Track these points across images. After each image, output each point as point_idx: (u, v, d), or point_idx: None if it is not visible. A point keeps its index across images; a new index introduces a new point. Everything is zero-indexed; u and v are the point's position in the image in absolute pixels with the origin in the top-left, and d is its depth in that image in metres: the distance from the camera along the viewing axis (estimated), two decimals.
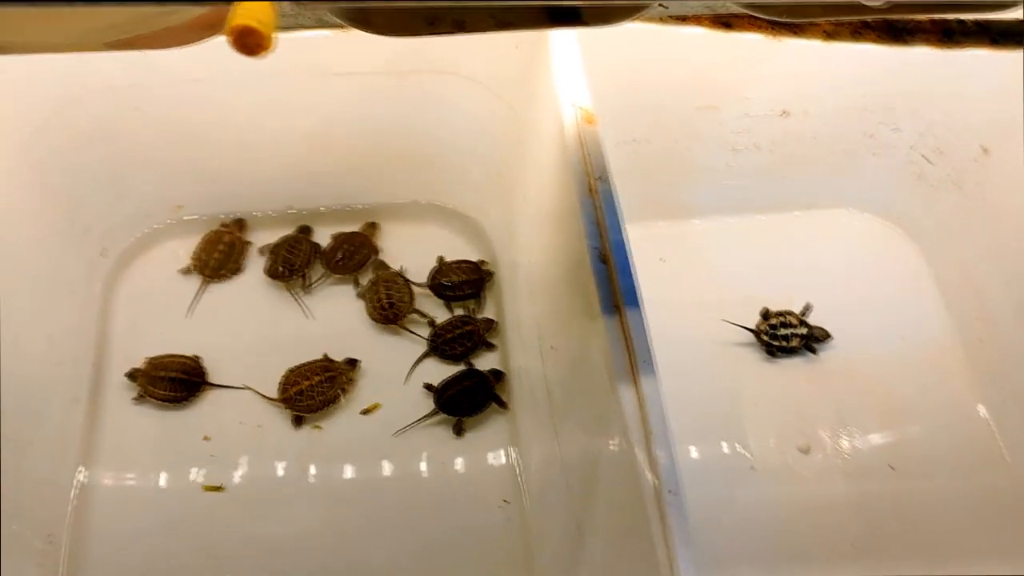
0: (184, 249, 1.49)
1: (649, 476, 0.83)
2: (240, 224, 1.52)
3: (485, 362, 1.43)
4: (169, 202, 1.48)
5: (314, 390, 1.35)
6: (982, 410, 1.43)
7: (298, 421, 1.36)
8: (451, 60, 1.32)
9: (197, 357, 1.38)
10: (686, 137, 1.44)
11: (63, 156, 1.30)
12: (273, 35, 0.60)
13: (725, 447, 1.37)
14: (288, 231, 1.52)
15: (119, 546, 1.26)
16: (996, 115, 1.34)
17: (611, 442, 0.92)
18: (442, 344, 1.42)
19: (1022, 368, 1.38)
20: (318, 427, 1.36)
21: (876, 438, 1.39)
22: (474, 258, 1.51)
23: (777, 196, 1.57)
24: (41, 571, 1.18)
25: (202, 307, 1.46)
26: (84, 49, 0.81)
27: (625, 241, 0.93)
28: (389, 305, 1.43)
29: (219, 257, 1.47)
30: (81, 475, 1.29)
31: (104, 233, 1.44)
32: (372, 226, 1.54)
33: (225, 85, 1.32)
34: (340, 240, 1.50)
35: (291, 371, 1.38)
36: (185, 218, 1.50)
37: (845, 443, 1.38)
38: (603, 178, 0.98)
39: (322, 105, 1.37)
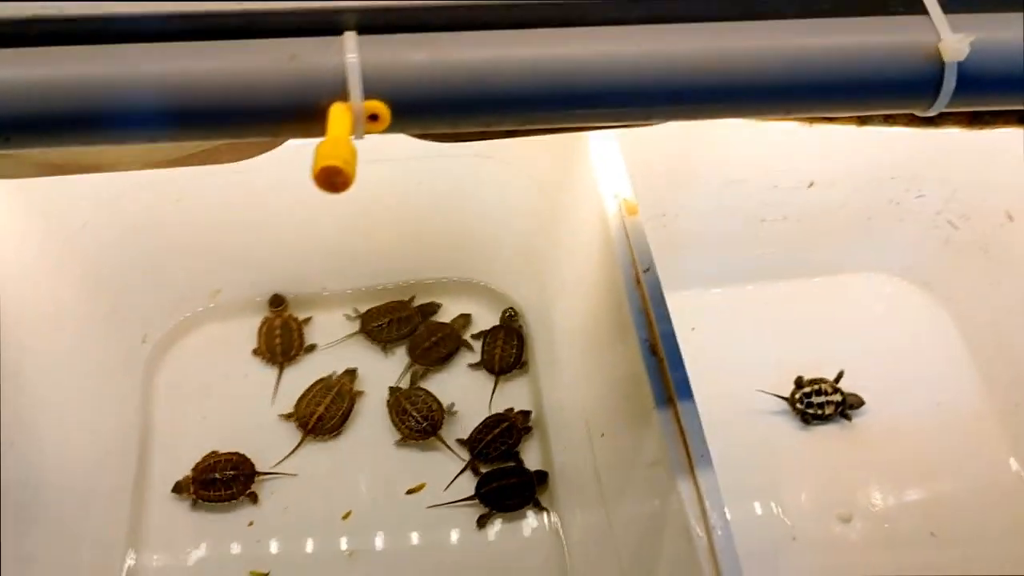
0: (223, 333, 1.51)
1: (711, 569, 0.84)
2: (278, 300, 1.53)
3: (526, 449, 1.44)
4: (207, 287, 1.50)
5: (330, 412, 1.41)
6: (1019, 471, 1.43)
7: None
8: (484, 144, 1.35)
9: (239, 453, 1.39)
10: (715, 210, 1.47)
11: (107, 248, 1.32)
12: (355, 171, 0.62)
13: (766, 518, 1.37)
14: (329, 312, 1.55)
15: None
16: (1020, 183, 1.37)
17: (669, 530, 0.93)
18: (483, 448, 1.41)
19: None
20: (349, 514, 1.37)
21: (916, 504, 1.39)
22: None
23: (806, 263, 1.59)
24: None
25: (241, 390, 1.47)
26: (157, 166, 0.84)
27: (674, 332, 0.95)
28: (424, 419, 1.42)
29: (281, 342, 1.49)
30: (129, 562, 1.30)
31: (145, 320, 1.46)
32: (464, 317, 1.55)
33: (263, 174, 1.34)
34: (430, 330, 1.52)
35: (300, 406, 1.43)
36: (224, 302, 1.52)
37: (885, 510, 1.39)
38: (649, 270, 1.00)
39: (358, 190, 1.39)
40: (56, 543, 1.14)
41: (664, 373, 0.93)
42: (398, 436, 1.42)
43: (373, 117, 0.64)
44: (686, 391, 0.91)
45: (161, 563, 1.31)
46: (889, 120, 1.17)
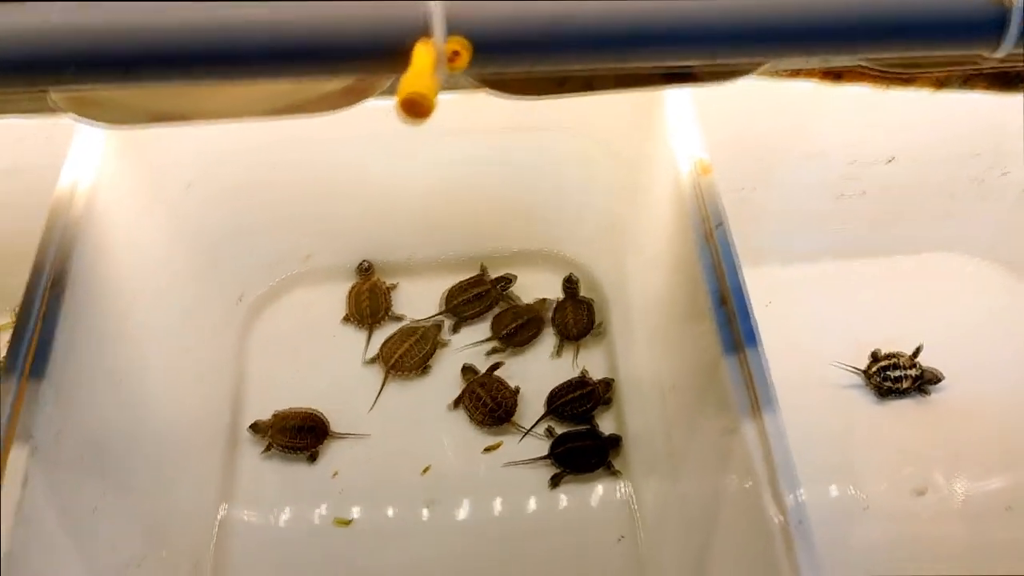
0: (313, 297, 1.59)
1: (775, 509, 0.86)
2: (366, 266, 1.60)
3: (601, 416, 1.48)
4: (300, 252, 1.58)
5: (410, 353, 1.50)
6: None
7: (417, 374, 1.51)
8: (564, 118, 1.39)
9: (318, 413, 1.45)
10: (793, 185, 1.48)
11: (209, 209, 1.40)
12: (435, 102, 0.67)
13: (838, 488, 1.38)
14: (414, 279, 1.61)
15: (256, 570, 1.34)
16: None
17: (734, 477, 0.96)
18: (560, 405, 1.46)
19: None
20: (428, 468, 1.42)
21: (992, 480, 1.38)
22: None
23: (884, 241, 1.59)
24: None
25: (329, 351, 1.55)
26: (250, 116, 0.90)
27: (742, 284, 0.98)
28: (498, 405, 1.46)
29: (369, 304, 1.56)
30: (222, 509, 1.38)
31: (240, 281, 1.54)
32: (542, 302, 1.58)
33: (354, 144, 1.41)
34: (513, 312, 1.57)
35: (384, 346, 1.52)
36: (315, 267, 1.60)
37: (960, 485, 1.38)
38: (720, 225, 1.03)
39: (443, 161, 1.46)
40: (155, 481, 1.22)
41: (733, 322, 0.96)
42: (472, 422, 1.46)
43: (454, 56, 0.68)
44: (752, 339, 0.94)
45: (251, 509, 1.39)
46: (968, 83, 1.18)
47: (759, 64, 0.88)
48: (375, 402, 1.48)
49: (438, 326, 1.55)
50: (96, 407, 1.06)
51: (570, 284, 1.58)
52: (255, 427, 1.43)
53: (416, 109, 0.65)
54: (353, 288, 1.59)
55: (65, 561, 0.96)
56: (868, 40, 0.69)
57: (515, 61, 0.71)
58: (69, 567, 0.97)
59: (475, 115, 1.38)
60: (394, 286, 1.60)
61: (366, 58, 0.69)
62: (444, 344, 1.54)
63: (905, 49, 0.70)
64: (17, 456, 0.87)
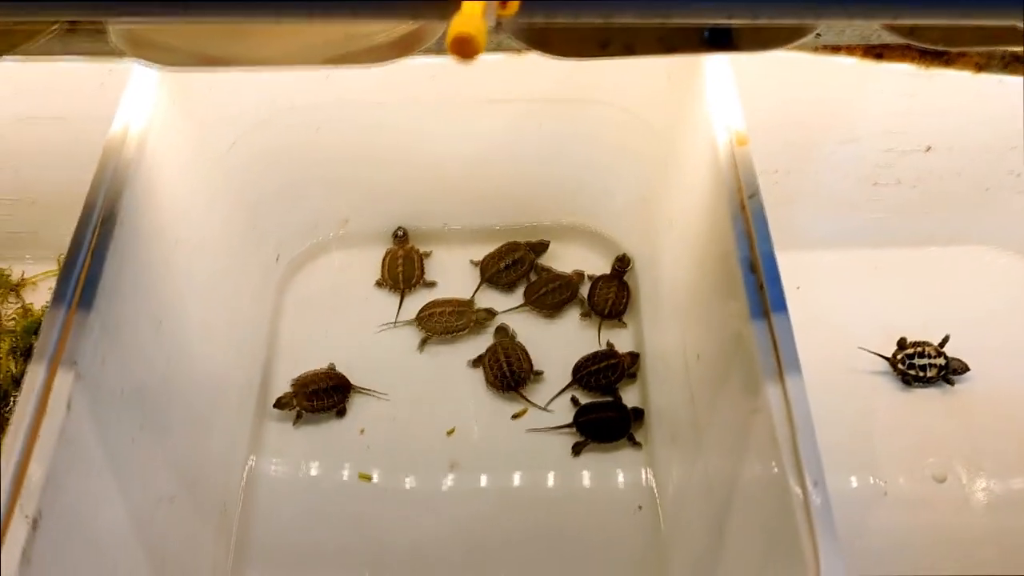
0: (348, 260, 1.62)
1: (795, 475, 0.88)
2: (398, 234, 1.64)
3: (625, 390, 1.50)
4: (337, 215, 1.61)
5: (443, 316, 1.54)
6: None
7: (422, 343, 1.55)
8: (603, 90, 1.41)
9: (332, 365, 1.50)
10: (828, 169, 1.49)
11: (251, 168, 1.43)
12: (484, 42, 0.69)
13: (859, 472, 1.39)
14: (449, 247, 1.65)
15: (281, 519, 1.38)
16: None
17: (756, 441, 0.97)
18: (585, 375, 1.48)
19: None
20: (453, 430, 1.45)
21: (1014, 471, 1.39)
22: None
23: (917, 231, 1.59)
24: (217, 536, 1.31)
25: (362, 313, 1.58)
26: (303, 63, 0.93)
27: (773, 251, 0.99)
28: (510, 373, 1.48)
29: (403, 270, 1.59)
30: (251, 459, 1.42)
31: (279, 241, 1.58)
32: (579, 275, 1.61)
33: (395, 111, 1.44)
34: (548, 278, 1.60)
35: (424, 307, 1.56)
36: (351, 231, 1.64)
37: (982, 475, 1.38)
38: (755, 195, 1.04)
39: (481, 130, 1.48)
40: (189, 425, 1.25)
41: (761, 288, 0.97)
42: (485, 381, 1.50)
43: (504, 2, 0.70)
44: (780, 304, 0.95)
45: (279, 462, 1.43)
46: (1008, 67, 1.18)
47: (800, 33, 0.89)
48: (396, 317, 1.56)
49: (489, 316, 1.57)
50: (137, 346, 1.09)
51: (621, 264, 1.60)
52: (279, 403, 1.45)
53: (465, 48, 0.67)
54: (388, 254, 1.62)
55: (103, 489, 1.00)
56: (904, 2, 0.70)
57: (563, 10, 0.73)
58: (106, 494, 1.00)
59: (513, 84, 1.40)
60: (428, 254, 1.63)
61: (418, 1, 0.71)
62: (475, 327, 1.56)
63: (943, 13, 0.71)
64: (63, 380, 0.91)
